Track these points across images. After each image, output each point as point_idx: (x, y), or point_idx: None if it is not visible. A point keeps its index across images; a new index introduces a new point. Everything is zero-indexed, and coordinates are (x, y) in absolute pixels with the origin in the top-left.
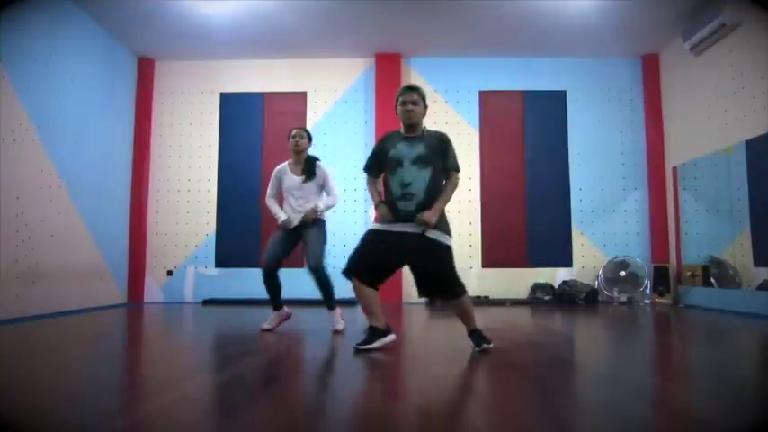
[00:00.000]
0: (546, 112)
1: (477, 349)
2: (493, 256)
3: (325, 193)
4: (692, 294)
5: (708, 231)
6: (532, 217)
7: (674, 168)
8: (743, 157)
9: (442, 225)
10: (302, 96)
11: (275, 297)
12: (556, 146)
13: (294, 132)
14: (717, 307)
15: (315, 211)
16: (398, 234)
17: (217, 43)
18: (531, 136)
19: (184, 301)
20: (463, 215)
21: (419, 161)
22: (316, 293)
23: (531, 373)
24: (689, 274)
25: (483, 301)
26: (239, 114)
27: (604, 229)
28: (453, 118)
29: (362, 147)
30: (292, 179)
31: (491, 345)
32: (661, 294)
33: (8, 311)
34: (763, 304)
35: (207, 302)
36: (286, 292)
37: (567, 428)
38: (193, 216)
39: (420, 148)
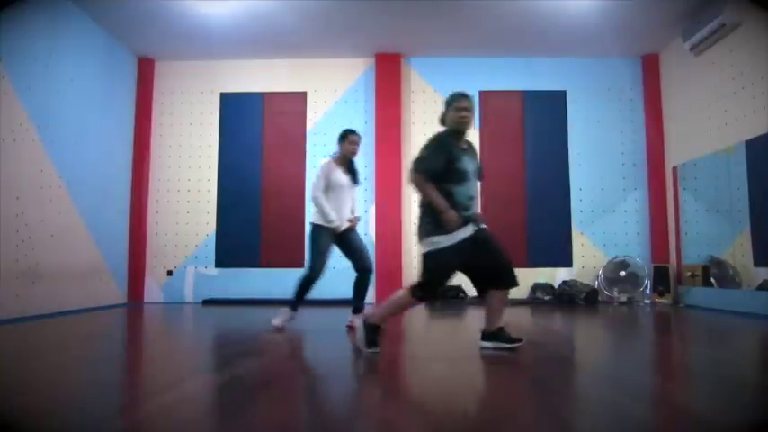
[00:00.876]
0: (546, 112)
1: (508, 346)
2: None
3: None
4: (692, 294)
5: (708, 231)
6: (532, 217)
7: (674, 168)
8: (743, 157)
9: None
10: (302, 96)
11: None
12: (556, 146)
13: (354, 138)
14: (717, 307)
15: (357, 219)
16: (465, 240)
17: (217, 43)
18: (531, 136)
19: (184, 301)
20: None
21: (475, 175)
22: (315, 294)
23: (531, 373)
24: (689, 274)
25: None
26: (239, 114)
27: (604, 229)
28: None
29: (362, 147)
30: (342, 178)
31: (522, 340)
32: (661, 294)
33: (8, 311)
34: (763, 304)
35: (207, 302)
36: (285, 292)
37: (567, 428)
38: (193, 216)
39: (475, 163)
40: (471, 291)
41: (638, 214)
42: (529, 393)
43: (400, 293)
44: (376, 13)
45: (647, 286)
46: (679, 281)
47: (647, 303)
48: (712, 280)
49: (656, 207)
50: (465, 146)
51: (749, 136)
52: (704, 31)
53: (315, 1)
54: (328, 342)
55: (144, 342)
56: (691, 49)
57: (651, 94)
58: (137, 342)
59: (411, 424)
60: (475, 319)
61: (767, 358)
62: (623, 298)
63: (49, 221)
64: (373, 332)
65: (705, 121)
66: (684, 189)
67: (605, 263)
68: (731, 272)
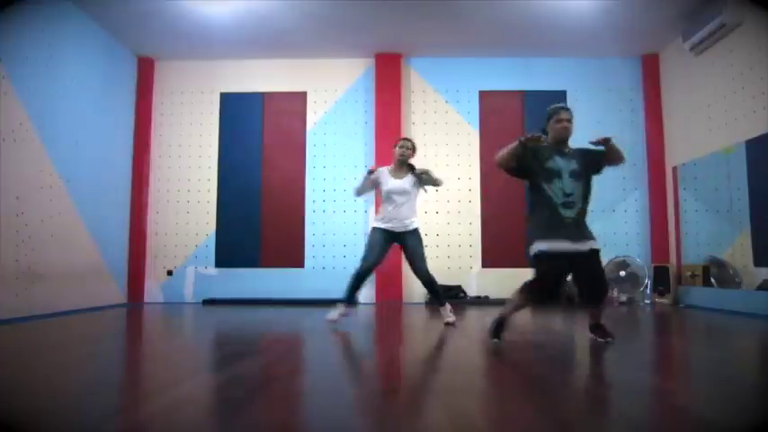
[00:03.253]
0: (546, 112)
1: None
2: (493, 256)
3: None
4: (692, 294)
5: (708, 231)
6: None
7: (674, 168)
8: (743, 157)
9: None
10: (302, 96)
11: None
12: None
13: (401, 143)
14: (717, 307)
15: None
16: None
17: (217, 43)
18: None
19: (184, 301)
20: (463, 215)
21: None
22: (315, 294)
23: (531, 373)
24: (689, 274)
25: (483, 301)
26: (239, 114)
27: (604, 229)
28: (453, 118)
29: (362, 147)
30: (394, 182)
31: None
32: (661, 294)
33: (8, 311)
34: (763, 304)
35: (207, 302)
36: (285, 292)
37: (567, 428)
38: (193, 216)
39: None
40: (471, 291)
41: (638, 214)
42: (529, 393)
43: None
44: (376, 13)
45: (647, 286)
46: (679, 281)
47: (647, 303)
48: (712, 280)
49: (656, 207)
50: (567, 150)
51: (749, 136)
52: (704, 31)
53: (315, 1)
54: (328, 342)
55: (144, 342)
56: (691, 49)
57: (651, 94)
58: (137, 342)
59: (410, 424)
60: (475, 319)
61: (767, 358)
62: (623, 298)
63: (49, 221)
64: (500, 325)
65: (705, 121)
66: (684, 189)
67: (605, 263)
68: (731, 272)
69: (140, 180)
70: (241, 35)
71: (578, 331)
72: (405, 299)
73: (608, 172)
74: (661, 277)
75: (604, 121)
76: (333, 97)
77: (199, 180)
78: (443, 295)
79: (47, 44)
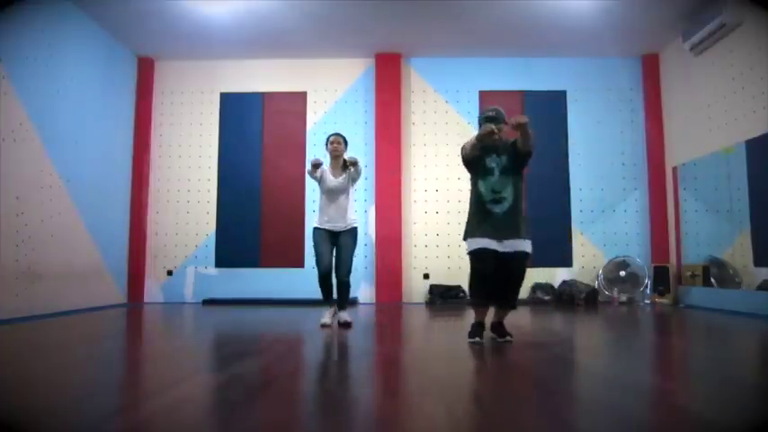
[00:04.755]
0: (546, 112)
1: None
2: None
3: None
4: (692, 294)
5: (708, 231)
6: (532, 216)
7: (674, 168)
8: (743, 157)
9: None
10: (302, 96)
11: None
12: (556, 146)
13: (332, 138)
14: (717, 307)
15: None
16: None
17: (217, 43)
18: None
19: (184, 301)
20: (463, 215)
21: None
22: (315, 294)
23: (531, 373)
24: (689, 274)
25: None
26: (239, 114)
27: (604, 229)
28: (453, 118)
29: (362, 147)
30: (333, 181)
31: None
32: (661, 294)
33: (8, 311)
34: (763, 304)
35: (207, 302)
36: (285, 292)
37: (567, 428)
38: (193, 216)
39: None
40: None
41: (638, 214)
42: (529, 393)
43: None
44: (376, 13)
45: (647, 286)
46: (679, 281)
47: (647, 303)
48: (712, 280)
49: (656, 207)
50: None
51: (749, 136)
52: (704, 31)
53: (315, 1)
54: (328, 342)
55: (144, 342)
56: (691, 49)
57: (651, 94)
58: (137, 342)
59: (410, 424)
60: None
61: (767, 358)
62: (623, 298)
63: (49, 221)
64: (477, 327)
65: (705, 121)
66: (684, 189)
67: (605, 263)
68: (731, 272)
69: (140, 180)
70: (241, 35)
71: (578, 331)
72: (405, 299)
73: (608, 172)
74: (661, 277)
75: (604, 121)
76: (333, 97)
77: (199, 180)
78: (349, 303)
79: (47, 44)
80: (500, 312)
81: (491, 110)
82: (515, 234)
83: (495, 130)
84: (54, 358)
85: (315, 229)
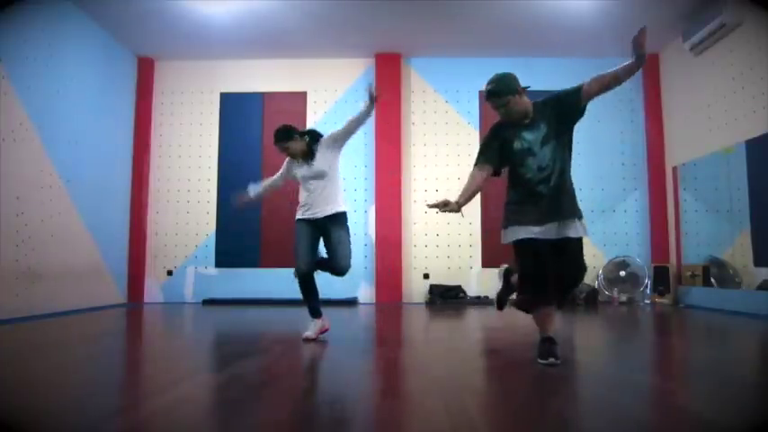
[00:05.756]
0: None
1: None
2: (493, 256)
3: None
4: (692, 294)
5: (708, 231)
6: None
7: (674, 168)
8: (743, 157)
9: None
10: (302, 96)
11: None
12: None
13: (277, 148)
14: (717, 307)
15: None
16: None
17: (217, 43)
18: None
19: (184, 301)
20: (463, 215)
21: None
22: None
23: (531, 373)
24: (689, 274)
25: (483, 301)
26: (239, 114)
27: (604, 229)
28: (453, 118)
29: (362, 147)
30: (304, 168)
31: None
32: (661, 294)
33: (8, 311)
34: (763, 304)
35: (207, 302)
36: (285, 292)
37: (568, 428)
38: (193, 216)
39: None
40: (471, 291)
41: (638, 214)
42: (529, 393)
43: None
44: (376, 13)
45: (647, 286)
46: (679, 281)
47: (647, 303)
48: (712, 280)
49: (656, 207)
50: (528, 120)
51: (749, 136)
52: (704, 31)
53: (315, 1)
54: (328, 342)
55: (144, 342)
56: (691, 49)
57: (651, 94)
58: (136, 342)
59: (410, 424)
60: (474, 319)
61: (767, 358)
62: (623, 298)
63: (49, 221)
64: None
65: (705, 121)
66: (684, 189)
67: (605, 263)
68: (731, 272)
69: (140, 180)
70: (241, 35)
71: (578, 331)
72: (405, 299)
73: (608, 172)
74: (661, 277)
75: (604, 121)
76: (333, 97)
77: (199, 180)
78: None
79: (47, 44)
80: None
81: (491, 82)
82: (565, 214)
83: (442, 207)
84: (54, 358)
85: (296, 221)
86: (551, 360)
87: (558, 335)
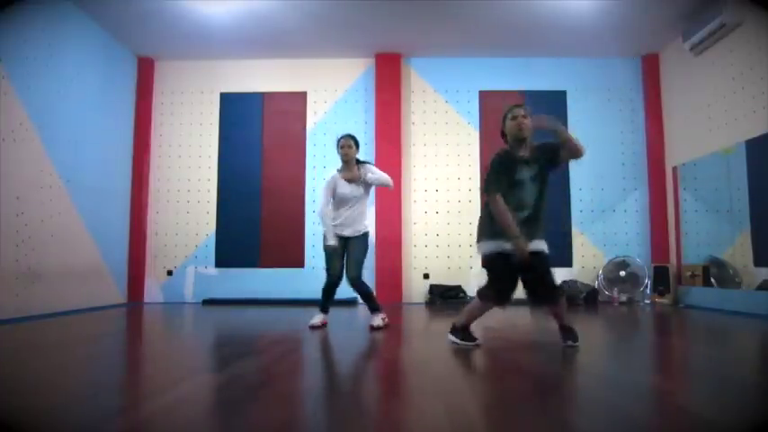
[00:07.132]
0: (546, 112)
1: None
2: None
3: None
4: (692, 294)
5: (708, 231)
6: None
7: (674, 168)
8: (743, 157)
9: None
10: (302, 96)
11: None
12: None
13: (341, 142)
14: (717, 307)
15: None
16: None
17: (217, 43)
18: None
19: (184, 301)
20: (463, 215)
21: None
22: (315, 294)
23: (531, 373)
24: (689, 274)
25: None
26: (239, 114)
27: (604, 229)
28: (453, 118)
29: (362, 147)
30: (346, 187)
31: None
32: (661, 294)
33: (8, 311)
34: (763, 304)
35: (207, 302)
36: (285, 292)
37: (567, 428)
38: (193, 216)
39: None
40: (471, 291)
41: (638, 214)
42: (529, 393)
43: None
44: (376, 13)
45: (647, 286)
46: (679, 281)
47: (647, 303)
48: (712, 280)
49: (656, 207)
50: (526, 155)
51: (749, 136)
52: (704, 31)
53: (315, 1)
54: (328, 342)
55: (144, 342)
56: (691, 49)
57: (651, 94)
58: (137, 342)
59: (410, 424)
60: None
61: (767, 358)
62: (623, 298)
63: (49, 221)
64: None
65: (705, 121)
66: (684, 189)
67: (605, 263)
68: (731, 272)
69: (140, 180)
70: (241, 35)
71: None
72: (405, 299)
73: (608, 172)
74: (661, 277)
75: (604, 121)
76: (333, 97)
77: (199, 180)
78: (376, 300)
79: (47, 44)
80: (556, 311)
81: (517, 105)
82: (534, 236)
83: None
84: (54, 358)
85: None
86: (471, 344)
87: (557, 335)
